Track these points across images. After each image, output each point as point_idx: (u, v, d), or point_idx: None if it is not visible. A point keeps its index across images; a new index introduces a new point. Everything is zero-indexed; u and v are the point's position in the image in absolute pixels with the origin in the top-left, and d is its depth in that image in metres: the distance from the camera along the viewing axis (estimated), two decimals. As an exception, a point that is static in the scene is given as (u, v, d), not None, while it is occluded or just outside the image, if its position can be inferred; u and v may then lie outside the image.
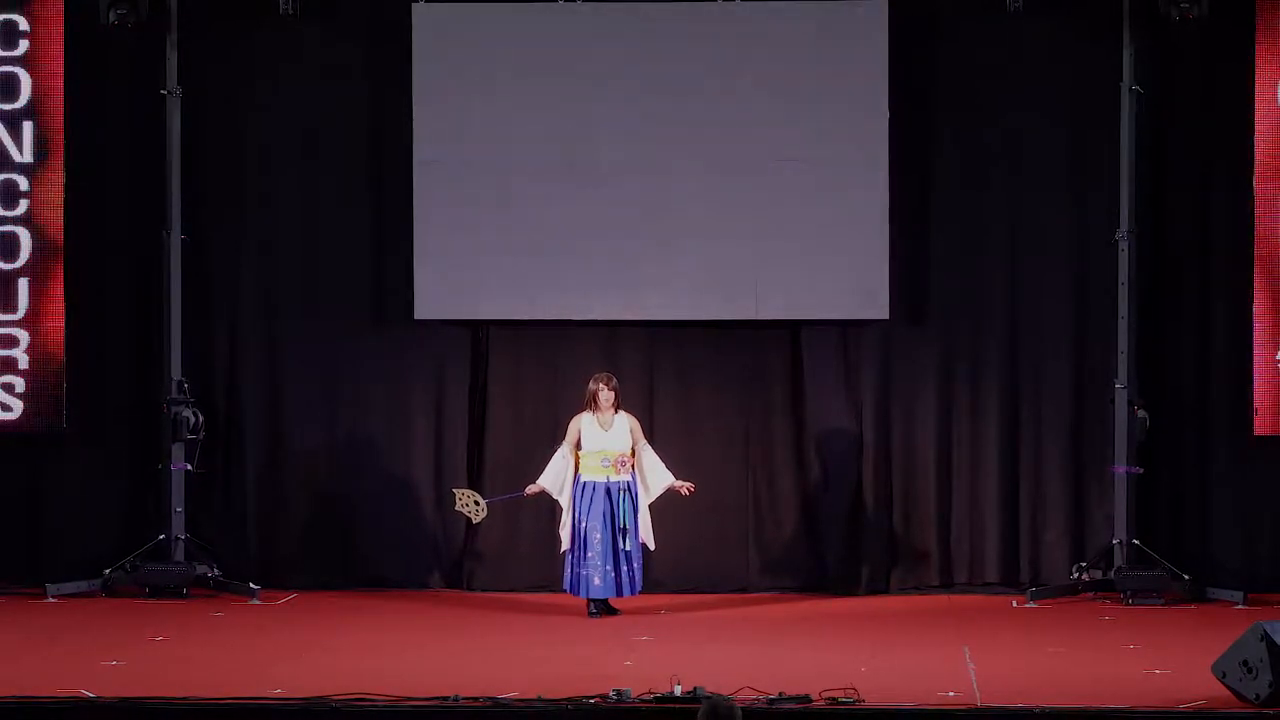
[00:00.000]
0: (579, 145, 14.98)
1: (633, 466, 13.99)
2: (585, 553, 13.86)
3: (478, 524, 14.58)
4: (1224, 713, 10.58)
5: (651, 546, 14.08)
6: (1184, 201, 14.90)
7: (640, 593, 14.07)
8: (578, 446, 14.00)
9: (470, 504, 14.33)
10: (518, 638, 13.17)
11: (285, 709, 10.69)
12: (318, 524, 15.30)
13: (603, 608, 13.95)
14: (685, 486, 14.05)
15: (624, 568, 13.90)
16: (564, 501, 14.03)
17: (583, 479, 13.93)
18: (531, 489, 14.11)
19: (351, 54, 15.19)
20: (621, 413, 14.00)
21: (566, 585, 14.04)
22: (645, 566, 14.16)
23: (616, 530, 13.85)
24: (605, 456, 13.91)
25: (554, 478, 14.05)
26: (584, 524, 13.87)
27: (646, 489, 14.05)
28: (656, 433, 14.62)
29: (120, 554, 14.96)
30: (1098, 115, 14.85)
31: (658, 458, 14.08)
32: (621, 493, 13.91)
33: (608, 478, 13.89)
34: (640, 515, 13.98)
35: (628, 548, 13.89)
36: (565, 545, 14.01)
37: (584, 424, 13.99)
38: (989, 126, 14.99)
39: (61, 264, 14.76)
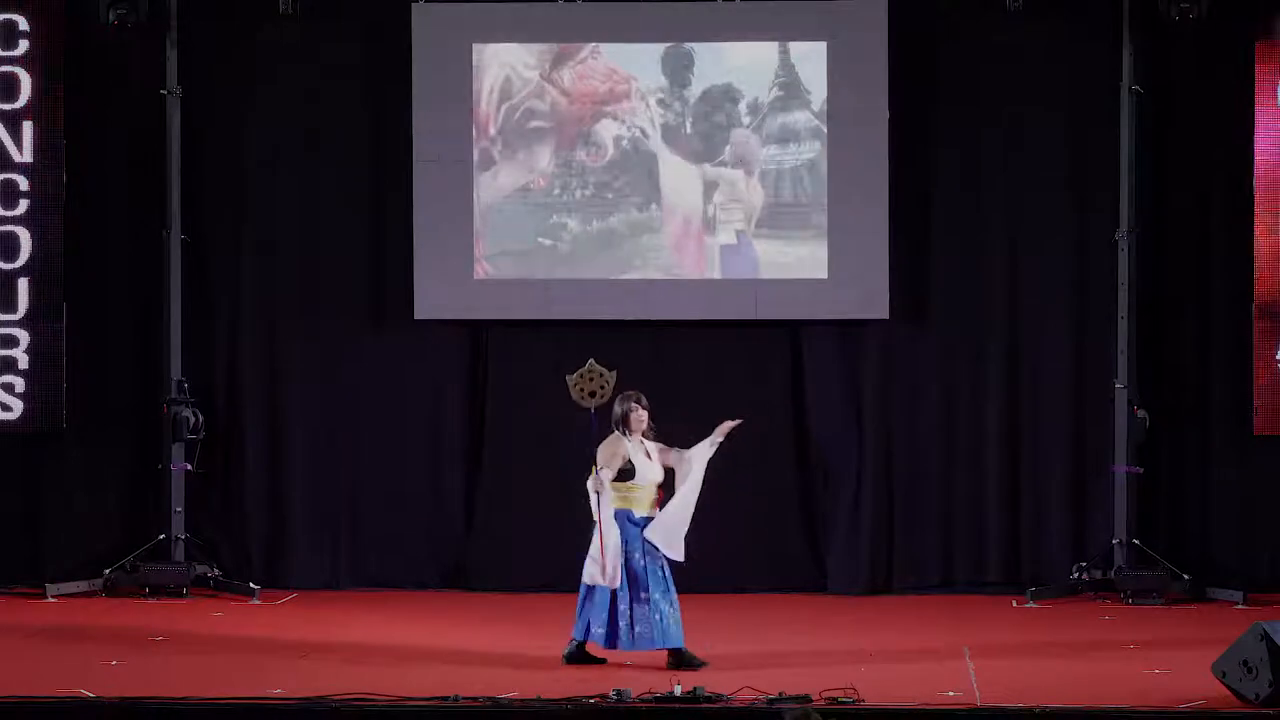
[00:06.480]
0: (579, 144, 15.01)
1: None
2: (639, 596, 11.82)
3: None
4: (1224, 713, 10.59)
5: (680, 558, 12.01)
6: (1184, 201, 14.90)
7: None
8: (627, 476, 11.95)
9: (586, 392, 12.08)
10: (518, 638, 13.16)
11: (285, 709, 10.70)
12: (318, 524, 15.30)
13: (681, 659, 11.81)
14: (731, 425, 12.02)
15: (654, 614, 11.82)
16: (609, 531, 11.83)
17: (631, 512, 11.95)
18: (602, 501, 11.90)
19: (351, 54, 15.19)
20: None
21: (620, 643, 11.79)
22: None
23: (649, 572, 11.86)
24: (650, 490, 12.05)
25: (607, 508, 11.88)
26: (637, 564, 11.86)
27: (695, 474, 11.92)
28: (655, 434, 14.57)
29: (120, 554, 14.96)
30: (1098, 115, 14.85)
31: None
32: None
33: (649, 512, 12.00)
34: (675, 517, 11.89)
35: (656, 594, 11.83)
36: (607, 582, 11.78)
37: (630, 451, 11.97)
38: (989, 126, 14.99)
39: (61, 264, 14.77)
